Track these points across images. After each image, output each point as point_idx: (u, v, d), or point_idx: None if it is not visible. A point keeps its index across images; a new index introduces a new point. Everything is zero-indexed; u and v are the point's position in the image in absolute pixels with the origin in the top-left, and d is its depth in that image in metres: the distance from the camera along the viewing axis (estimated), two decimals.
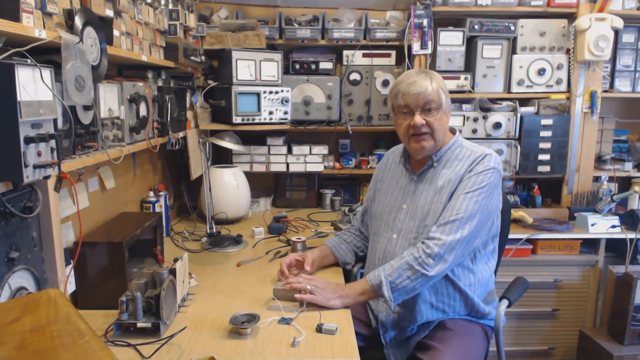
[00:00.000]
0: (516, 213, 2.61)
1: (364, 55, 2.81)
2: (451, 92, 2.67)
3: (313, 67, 2.83)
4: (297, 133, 2.92)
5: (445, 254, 1.47)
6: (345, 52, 2.80)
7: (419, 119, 1.58)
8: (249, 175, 2.64)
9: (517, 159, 2.71)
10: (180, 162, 2.53)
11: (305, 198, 2.92)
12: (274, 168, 2.79)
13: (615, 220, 2.54)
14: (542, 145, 2.71)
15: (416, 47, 2.64)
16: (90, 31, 1.33)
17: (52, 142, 1.15)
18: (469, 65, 2.74)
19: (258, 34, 2.55)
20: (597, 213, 2.59)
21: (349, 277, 1.85)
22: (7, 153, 1.03)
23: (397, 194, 1.72)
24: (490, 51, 2.69)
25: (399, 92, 1.61)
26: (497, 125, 2.68)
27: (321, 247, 1.87)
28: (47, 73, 1.11)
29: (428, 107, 1.58)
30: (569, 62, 2.68)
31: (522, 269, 2.52)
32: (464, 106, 2.72)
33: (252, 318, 1.35)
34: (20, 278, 1.18)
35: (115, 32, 1.53)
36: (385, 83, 2.80)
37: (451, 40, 2.67)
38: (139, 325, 1.32)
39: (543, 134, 2.70)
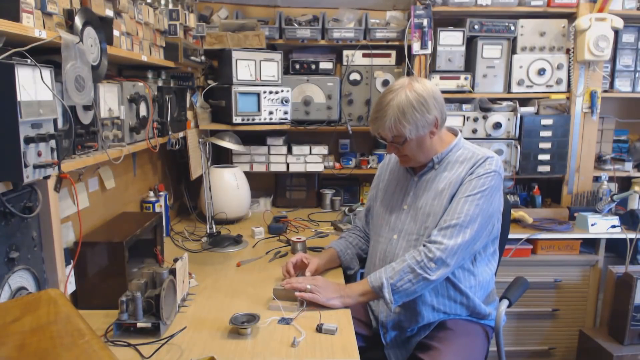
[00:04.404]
0: (516, 213, 2.61)
1: (364, 55, 2.80)
2: (451, 92, 2.68)
3: (313, 67, 2.83)
4: (297, 133, 2.92)
5: (448, 258, 1.47)
6: (345, 52, 2.80)
7: (389, 149, 1.63)
8: (249, 175, 2.64)
9: (517, 159, 2.71)
10: (180, 162, 2.53)
11: (305, 198, 2.91)
12: (274, 168, 2.79)
13: (615, 220, 2.54)
14: (542, 145, 2.71)
15: (416, 47, 2.64)
16: (90, 31, 1.33)
17: (52, 142, 1.14)
18: (469, 65, 2.74)
19: (258, 34, 2.55)
20: (597, 213, 2.59)
21: (348, 277, 1.85)
22: (7, 153, 1.03)
23: (398, 194, 1.72)
24: (490, 51, 2.69)
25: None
26: (497, 125, 2.68)
27: (328, 250, 1.85)
28: (47, 73, 1.11)
29: (394, 140, 1.58)
30: (569, 62, 2.68)
31: (522, 269, 2.52)
32: (464, 106, 2.72)
33: (252, 318, 1.34)
34: (20, 278, 1.18)
35: (115, 32, 1.53)
36: (385, 83, 2.80)
37: (451, 40, 2.67)
38: (139, 325, 1.31)
39: (543, 134, 2.70)
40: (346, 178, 2.95)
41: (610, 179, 2.78)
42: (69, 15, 1.26)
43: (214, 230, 2.22)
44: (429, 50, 2.65)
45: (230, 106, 2.44)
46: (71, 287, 1.44)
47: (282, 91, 2.56)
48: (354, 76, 2.83)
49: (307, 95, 2.78)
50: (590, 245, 2.62)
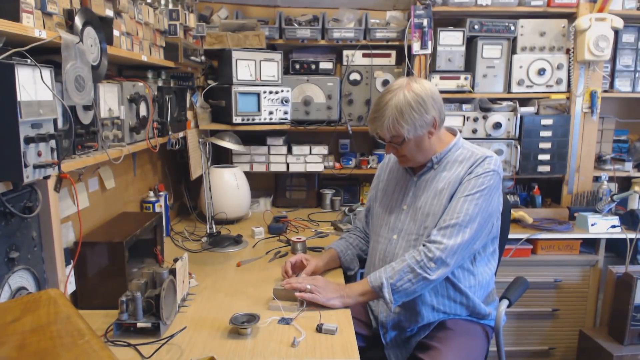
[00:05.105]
0: (516, 213, 2.61)
1: (364, 55, 2.81)
2: (451, 92, 2.68)
3: (313, 67, 2.83)
4: (297, 133, 2.92)
5: (447, 257, 1.47)
6: (345, 52, 2.80)
7: (388, 149, 1.63)
8: (249, 175, 2.64)
9: (517, 159, 2.71)
10: (180, 162, 2.53)
11: (305, 198, 2.91)
12: (274, 168, 2.79)
13: (615, 220, 2.54)
14: (542, 145, 2.71)
15: (416, 47, 2.64)
16: (90, 31, 1.33)
17: (52, 142, 1.14)
18: (469, 65, 2.74)
19: (258, 34, 2.55)
20: (597, 213, 2.59)
21: (348, 278, 1.85)
22: (7, 153, 1.03)
23: (398, 194, 1.72)
24: (490, 51, 2.69)
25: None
26: (497, 125, 2.68)
27: (328, 251, 1.85)
28: (47, 73, 1.11)
29: (392, 141, 1.58)
30: (569, 62, 2.68)
31: (522, 269, 2.52)
32: (464, 106, 2.72)
33: (252, 318, 1.35)
34: (20, 278, 1.18)
35: (115, 32, 1.53)
36: (385, 83, 2.80)
37: (451, 40, 2.67)
38: (139, 325, 1.32)
39: (543, 134, 2.70)
40: (346, 178, 2.95)
41: (610, 179, 2.78)
42: (69, 15, 1.26)
43: (214, 230, 2.22)
44: (429, 50, 2.65)
45: (230, 106, 2.44)
46: (71, 287, 1.44)
47: (282, 91, 2.56)
48: (354, 76, 2.83)
49: (307, 95, 2.78)
50: (590, 245, 2.62)
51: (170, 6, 2.10)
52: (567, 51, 2.70)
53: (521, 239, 2.52)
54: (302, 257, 1.74)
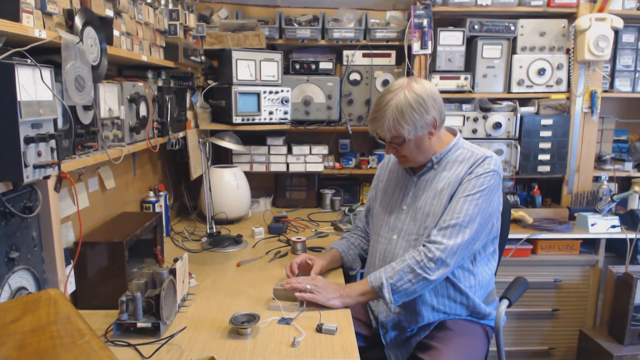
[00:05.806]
0: (516, 213, 2.61)
1: (364, 55, 2.81)
2: (451, 92, 2.68)
3: (313, 67, 2.83)
4: (297, 133, 2.92)
5: (447, 258, 1.47)
6: (345, 52, 2.80)
7: (388, 149, 1.63)
8: (249, 175, 2.64)
9: (517, 159, 2.71)
10: (180, 162, 2.53)
11: (305, 198, 2.91)
12: (274, 168, 2.79)
13: (615, 220, 2.54)
14: (542, 145, 2.71)
15: (416, 47, 2.64)
16: (90, 31, 1.33)
17: (52, 142, 1.14)
18: (469, 65, 2.74)
19: (258, 34, 2.55)
20: (597, 213, 2.59)
21: (349, 277, 1.85)
22: (7, 153, 1.03)
23: (398, 194, 1.72)
24: (490, 51, 2.69)
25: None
26: (497, 125, 2.68)
27: (330, 251, 1.85)
28: (47, 73, 1.11)
29: (393, 141, 1.58)
30: (569, 62, 2.68)
31: (522, 269, 2.52)
32: (464, 106, 2.72)
33: (252, 318, 1.35)
34: (20, 278, 1.18)
35: (115, 32, 1.53)
36: (385, 83, 2.80)
37: (451, 40, 2.67)
38: (139, 325, 1.32)
39: (543, 134, 2.70)
40: (346, 178, 2.95)
41: (610, 179, 2.78)
42: (69, 15, 1.26)
43: (214, 230, 2.22)
44: (429, 50, 2.65)
45: (230, 106, 2.44)
46: (71, 287, 1.44)
47: (282, 91, 2.56)
48: (354, 76, 2.83)
49: (307, 95, 2.78)
50: (590, 245, 2.62)
51: (170, 6, 2.10)
52: (567, 51, 2.70)
53: (521, 239, 2.52)
54: (306, 257, 1.74)
